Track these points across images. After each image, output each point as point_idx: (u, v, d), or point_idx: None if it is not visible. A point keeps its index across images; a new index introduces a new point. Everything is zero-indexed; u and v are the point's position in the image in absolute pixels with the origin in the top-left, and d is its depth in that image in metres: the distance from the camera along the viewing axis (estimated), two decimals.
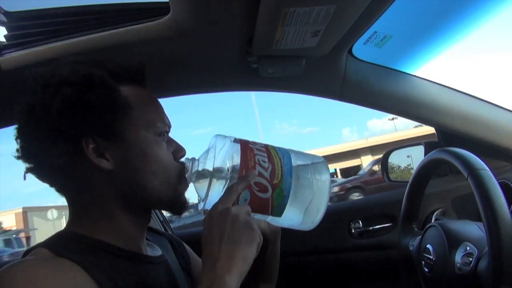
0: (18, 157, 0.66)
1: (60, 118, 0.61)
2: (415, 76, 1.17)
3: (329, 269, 1.34)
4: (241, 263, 0.57)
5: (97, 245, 0.64)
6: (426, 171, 0.93)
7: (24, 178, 0.68)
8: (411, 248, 0.98)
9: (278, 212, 0.66)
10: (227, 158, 0.65)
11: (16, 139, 0.66)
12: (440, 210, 1.16)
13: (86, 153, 0.63)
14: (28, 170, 0.67)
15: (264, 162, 0.65)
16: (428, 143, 1.32)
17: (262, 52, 0.94)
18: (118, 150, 0.65)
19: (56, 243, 0.62)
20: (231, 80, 1.13)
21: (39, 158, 0.65)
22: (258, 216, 0.67)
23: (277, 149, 0.68)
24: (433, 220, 1.13)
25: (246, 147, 0.66)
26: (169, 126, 0.73)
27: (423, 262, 0.87)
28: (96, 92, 0.63)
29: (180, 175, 0.70)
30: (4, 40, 0.84)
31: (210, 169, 0.65)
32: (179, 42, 0.89)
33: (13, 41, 0.84)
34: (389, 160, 1.48)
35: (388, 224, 1.32)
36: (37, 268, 0.54)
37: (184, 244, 0.92)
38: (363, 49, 1.08)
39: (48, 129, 0.62)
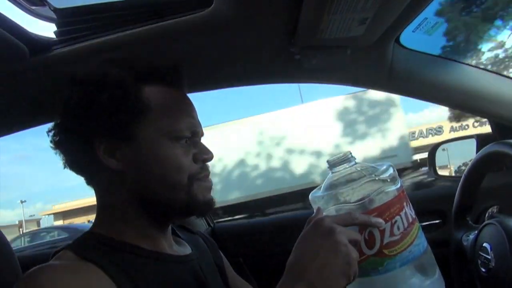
0: (54, 148, 0.69)
1: (74, 117, 0.64)
2: (467, 64, 1.11)
3: None
4: None
5: (118, 246, 0.65)
6: (483, 165, 0.88)
7: (64, 167, 0.70)
8: (464, 243, 0.93)
9: (358, 274, 0.57)
10: (376, 185, 0.59)
11: (48, 132, 0.69)
12: (495, 207, 1.10)
13: (96, 152, 0.65)
14: (63, 161, 0.70)
15: (399, 228, 0.58)
16: (481, 136, 1.25)
17: (305, 43, 0.92)
18: (129, 152, 0.66)
19: (80, 245, 0.64)
20: (273, 72, 1.12)
21: (63, 152, 0.68)
22: None
23: (421, 234, 0.61)
24: (486, 217, 1.08)
25: (401, 199, 0.59)
26: (195, 131, 0.70)
27: (479, 261, 0.82)
28: (109, 92, 0.64)
29: (194, 176, 0.67)
30: (54, 36, 0.87)
31: (358, 177, 0.59)
32: (220, 34, 0.89)
33: (63, 37, 0.86)
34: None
35: (437, 221, 1.26)
36: (60, 273, 0.57)
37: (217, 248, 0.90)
38: (411, 37, 1.03)
39: (66, 127, 0.66)
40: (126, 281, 0.60)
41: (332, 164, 0.63)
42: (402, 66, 1.06)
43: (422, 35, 1.03)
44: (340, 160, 0.62)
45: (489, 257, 0.79)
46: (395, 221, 0.58)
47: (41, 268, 0.57)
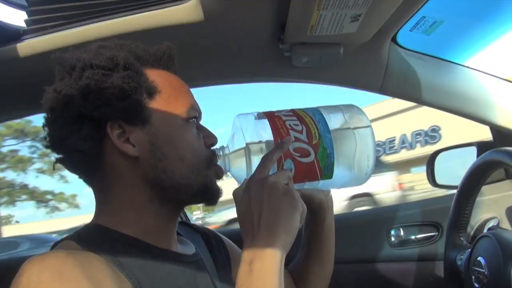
0: (46, 146, 0.69)
1: (84, 102, 0.64)
2: (468, 67, 1.13)
3: (364, 280, 1.31)
4: (284, 235, 0.57)
5: (123, 240, 0.66)
6: (479, 175, 0.89)
7: (54, 168, 0.72)
8: (458, 263, 0.94)
9: (328, 173, 0.67)
10: (256, 136, 0.66)
11: (43, 127, 0.69)
12: (493, 220, 1.11)
13: (111, 139, 0.66)
14: (57, 161, 0.70)
15: (297, 125, 0.66)
16: (481, 144, 1.26)
17: (295, 39, 0.93)
18: (144, 136, 0.67)
19: (83, 236, 0.65)
20: (261, 69, 1.12)
21: (66, 145, 0.67)
22: (308, 185, 0.68)
23: (305, 110, 0.70)
24: (485, 231, 1.09)
25: (273, 117, 0.68)
26: (199, 112, 0.74)
27: (473, 277, 0.83)
28: (121, 74, 0.65)
29: (210, 161, 0.72)
30: (24, 25, 0.87)
31: (242, 150, 0.66)
32: (205, 27, 0.88)
33: (34, 26, 0.86)
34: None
35: (433, 234, 1.28)
36: (64, 261, 0.56)
37: (223, 238, 0.92)
38: (409, 36, 1.05)
39: (74, 114, 0.65)
40: (132, 276, 0.60)
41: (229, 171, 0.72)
42: (398, 67, 1.07)
43: (420, 34, 1.04)
44: (223, 162, 0.71)
45: (483, 270, 0.80)
46: (290, 126, 0.66)
47: (44, 255, 0.56)
